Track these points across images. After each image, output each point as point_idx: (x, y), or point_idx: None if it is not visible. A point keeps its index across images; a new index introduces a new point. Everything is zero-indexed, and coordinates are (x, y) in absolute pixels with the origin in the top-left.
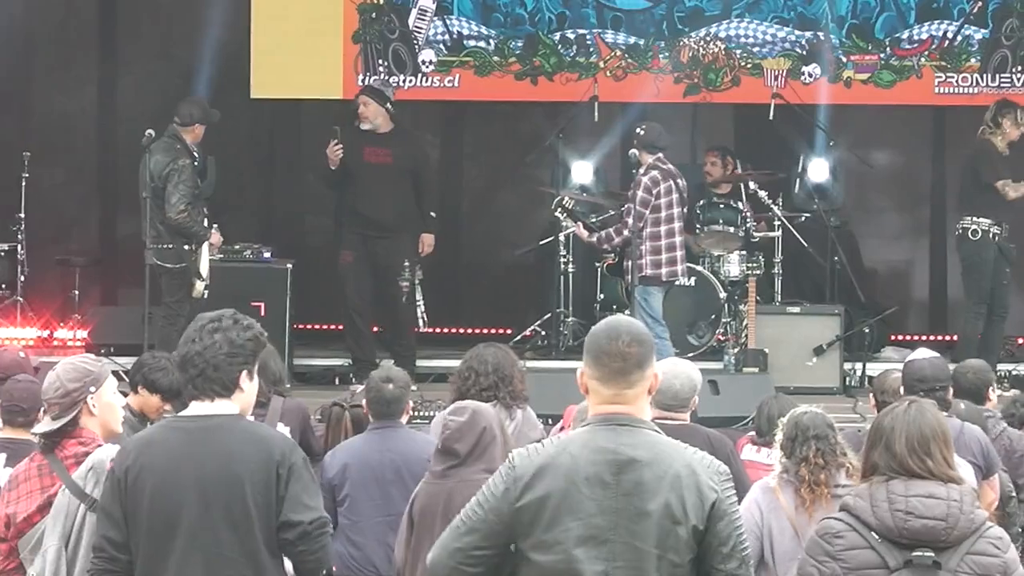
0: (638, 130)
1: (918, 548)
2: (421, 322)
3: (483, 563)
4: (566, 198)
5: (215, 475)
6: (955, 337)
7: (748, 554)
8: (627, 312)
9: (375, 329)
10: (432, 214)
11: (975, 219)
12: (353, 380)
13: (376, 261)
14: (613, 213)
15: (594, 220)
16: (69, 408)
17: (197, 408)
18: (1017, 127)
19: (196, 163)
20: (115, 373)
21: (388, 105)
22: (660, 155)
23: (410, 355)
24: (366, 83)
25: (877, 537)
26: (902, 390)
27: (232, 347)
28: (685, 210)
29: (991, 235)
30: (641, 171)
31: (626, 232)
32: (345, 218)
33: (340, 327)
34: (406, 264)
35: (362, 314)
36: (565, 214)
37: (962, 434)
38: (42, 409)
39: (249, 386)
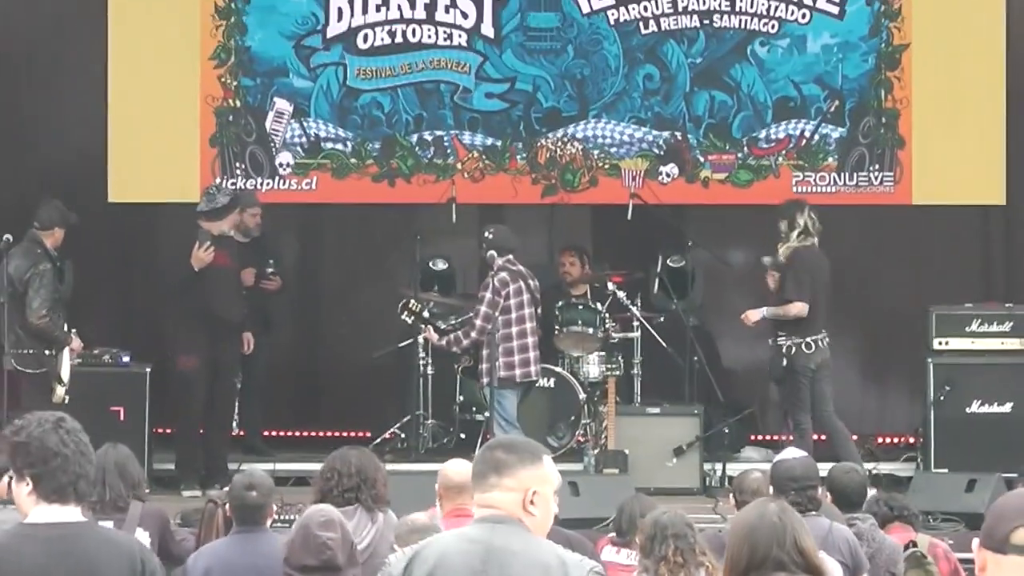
0: (486, 233)
1: None
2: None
3: None
4: (412, 301)
5: None
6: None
7: None
8: (486, 414)
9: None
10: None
11: None
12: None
13: (220, 361)
14: (471, 315)
15: (453, 322)
16: None
17: (45, 514)
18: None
19: (56, 267)
20: None
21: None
22: (510, 256)
23: (225, 455)
24: (223, 187)
25: None
26: (771, 489)
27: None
28: (539, 311)
29: (779, 348)
30: (491, 273)
31: (474, 334)
32: (191, 321)
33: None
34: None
35: (199, 419)
36: (412, 317)
37: (831, 533)
38: None
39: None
